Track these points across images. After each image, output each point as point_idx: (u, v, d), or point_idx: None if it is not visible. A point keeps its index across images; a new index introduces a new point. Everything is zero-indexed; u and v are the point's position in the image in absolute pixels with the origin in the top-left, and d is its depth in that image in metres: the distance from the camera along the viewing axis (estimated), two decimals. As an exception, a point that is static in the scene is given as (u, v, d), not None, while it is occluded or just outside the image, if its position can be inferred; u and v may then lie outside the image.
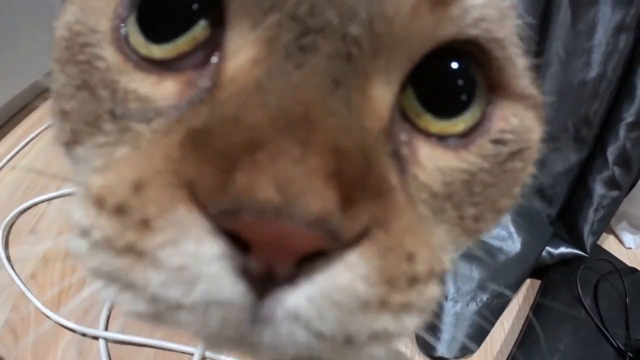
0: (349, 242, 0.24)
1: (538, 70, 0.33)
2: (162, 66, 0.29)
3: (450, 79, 0.30)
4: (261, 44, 0.27)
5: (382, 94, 0.28)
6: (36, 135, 1.38)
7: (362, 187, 0.24)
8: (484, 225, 0.33)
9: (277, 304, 0.24)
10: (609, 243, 1.16)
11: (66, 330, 0.95)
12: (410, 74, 0.29)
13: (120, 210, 0.25)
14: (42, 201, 1.19)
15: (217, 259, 0.23)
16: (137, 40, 0.29)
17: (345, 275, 0.24)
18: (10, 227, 1.14)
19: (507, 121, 0.31)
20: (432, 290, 0.28)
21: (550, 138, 0.83)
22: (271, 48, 0.26)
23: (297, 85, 0.25)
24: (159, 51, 0.28)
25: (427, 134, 0.29)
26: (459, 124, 0.30)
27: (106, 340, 0.93)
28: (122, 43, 0.29)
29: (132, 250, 0.25)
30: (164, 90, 0.28)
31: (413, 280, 0.27)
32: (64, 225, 1.08)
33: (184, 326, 0.26)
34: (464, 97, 0.30)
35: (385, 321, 0.26)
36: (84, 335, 0.94)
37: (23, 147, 1.34)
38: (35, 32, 0.85)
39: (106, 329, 0.94)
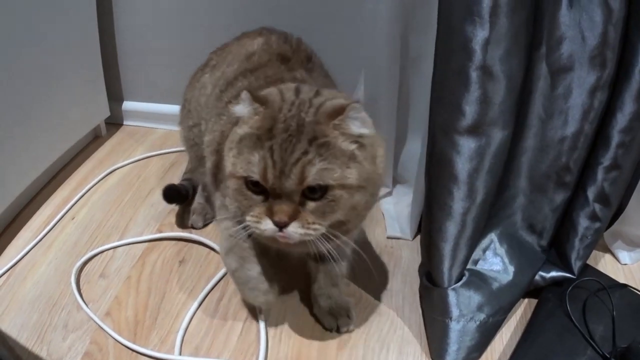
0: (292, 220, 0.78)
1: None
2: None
3: (312, 191, 0.78)
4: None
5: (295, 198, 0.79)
6: (91, 187, 1.55)
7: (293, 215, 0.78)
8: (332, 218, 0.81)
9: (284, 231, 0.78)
10: (605, 261, 1.28)
11: (142, 357, 1.08)
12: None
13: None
14: (109, 249, 1.34)
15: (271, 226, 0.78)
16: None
17: (295, 224, 0.78)
18: (80, 272, 1.27)
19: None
20: (318, 227, 0.79)
21: (535, 186, 0.99)
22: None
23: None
24: None
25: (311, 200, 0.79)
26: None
27: None
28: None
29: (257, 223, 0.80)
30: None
31: (312, 224, 0.79)
32: (130, 270, 1.27)
33: (263, 239, 0.88)
34: (317, 195, 0.78)
35: (309, 231, 0.79)
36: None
37: (79, 199, 1.50)
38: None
39: (180, 353, 1.07)
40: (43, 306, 1.19)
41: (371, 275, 1.20)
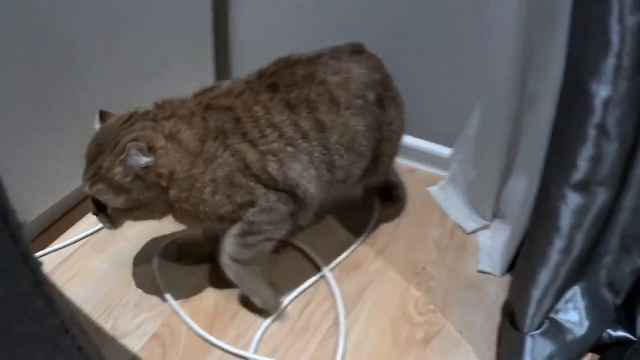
0: None
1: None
2: None
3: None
4: None
5: None
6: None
7: None
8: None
9: None
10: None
11: (216, 349, 1.09)
12: None
13: None
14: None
15: None
16: None
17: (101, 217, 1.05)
18: (164, 253, 1.28)
19: None
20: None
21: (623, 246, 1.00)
22: None
23: None
24: None
25: None
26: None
27: None
28: None
29: None
30: None
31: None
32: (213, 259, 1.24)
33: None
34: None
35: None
36: (233, 354, 1.08)
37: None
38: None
39: (256, 351, 1.09)
40: (116, 281, 1.22)
41: (456, 306, 1.22)
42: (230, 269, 1.09)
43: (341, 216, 1.43)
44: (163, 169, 0.96)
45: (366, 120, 1.13)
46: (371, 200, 1.48)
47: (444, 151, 1.54)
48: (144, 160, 0.94)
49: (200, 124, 1.01)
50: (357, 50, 1.20)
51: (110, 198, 0.98)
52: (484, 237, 1.39)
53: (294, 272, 1.27)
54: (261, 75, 1.10)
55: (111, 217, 1.02)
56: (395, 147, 1.28)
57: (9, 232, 0.43)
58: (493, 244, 1.37)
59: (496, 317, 1.22)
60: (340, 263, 1.30)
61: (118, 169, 0.94)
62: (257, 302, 1.15)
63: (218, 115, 1.02)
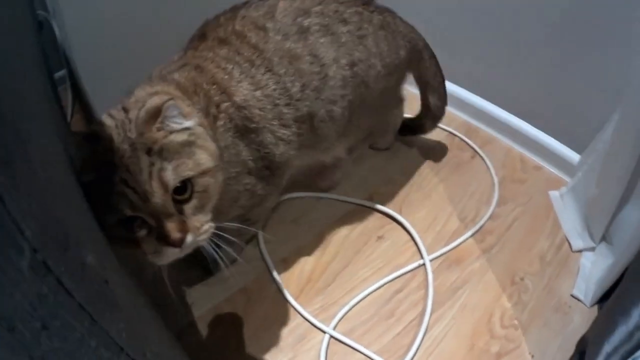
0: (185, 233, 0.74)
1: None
2: None
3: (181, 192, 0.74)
4: None
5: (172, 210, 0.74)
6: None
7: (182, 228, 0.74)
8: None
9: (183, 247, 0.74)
10: None
11: (297, 315, 1.10)
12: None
13: None
14: (310, 197, 1.34)
15: (173, 250, 0.76)
16: None
17: (190, 236, 0.74)
18: (272, 210, 1.28)
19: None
20: (207, 227, 0.77)
21: None
22: None
23: None
24: None
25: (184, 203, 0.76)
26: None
27: (330, 337, 1.06)
28: None
29: (160, 256, 0.77)
30: None
31: (201, 226, 0.77)
32: (325, 226, 1.27)
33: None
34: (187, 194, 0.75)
35: (203, 235, 0.77)
36: (312, 324, 1.09)
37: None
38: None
39: (334, 327, 1.08)
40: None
41: (538, 326, 1.10)
42: None
43: (456, 203, 1.34)
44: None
45: (307, 47, 1.00)
46: (489, 192, 1.37)
47: (573, 156, 1.38)
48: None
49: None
50: None
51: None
52: (586, 259, 1.23)
53: (397, 254, 1.22)
54: (191, 39, 1.03)
55: (202, 205, 0.79)
56: (371, 97, 1.12)
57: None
58: (592, 269, 1.20)
59: (570, 349, 1.07)
60: (443, 254, 1.22)
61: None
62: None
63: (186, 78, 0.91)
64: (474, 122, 1.58)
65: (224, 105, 0.91)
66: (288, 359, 1.05)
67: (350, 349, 1.06)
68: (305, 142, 1.04)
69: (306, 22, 1.01)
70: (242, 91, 0.93)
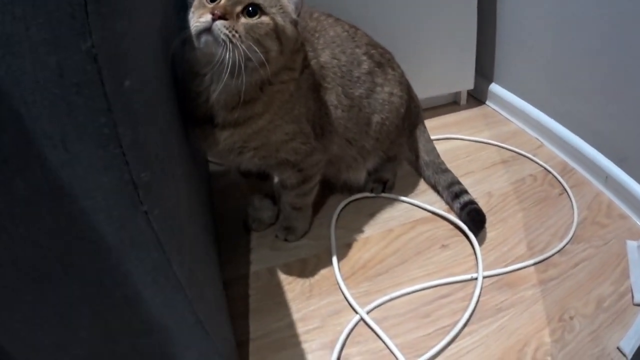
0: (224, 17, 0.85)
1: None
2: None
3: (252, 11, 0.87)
4: None
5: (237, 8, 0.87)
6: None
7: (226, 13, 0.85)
8: None
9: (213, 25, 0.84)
10: None
11: (340, 293, 1.14)
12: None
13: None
14: (392, 198, 1.42)
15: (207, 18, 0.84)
16: None
17: (223, 21, 0.85)
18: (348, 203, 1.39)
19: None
20: (238, 36, 0.85)
21: None
22: None
23: None
24: None
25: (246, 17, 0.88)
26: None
27: (361, 319, 1.08)
28: None
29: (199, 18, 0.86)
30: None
31: (236, 31, 0.86)
32: (397, 225, 1.32)
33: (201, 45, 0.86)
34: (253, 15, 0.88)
35: (230, 33, 0.85)
36: (349, 304, 1.12)
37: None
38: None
39: (368, 312, 1.09)
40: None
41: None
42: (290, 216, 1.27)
43: (529, 232, 1.30)
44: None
45: (367, 69, 1.23)
46: (566, 228, 1.31)
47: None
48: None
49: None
50: None
51: None
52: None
53: (455, 263, 1.22)
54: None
55: (251, 30, 0.90)
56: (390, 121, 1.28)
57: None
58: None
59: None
60: (498, 274, 1.18)
61: None
62: (297, 230, 1.29)
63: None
64: (571, 162, 1.56)
65: (313, 60, 1.11)
66: (315, 326, 1.08)
67: (374, 335, 1.07)
68: (349, 126, 1.21)
69: (372, 51, 1.26)
70: (325, 56, 1.14)
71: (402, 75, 1.34)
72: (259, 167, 1.15)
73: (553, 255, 1.23)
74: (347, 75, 1.18)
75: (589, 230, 1.31)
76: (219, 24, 0.84)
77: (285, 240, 1.29)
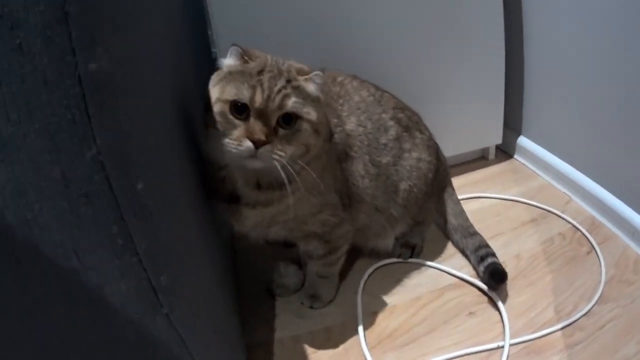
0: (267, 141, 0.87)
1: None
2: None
3: (286, 119, 0.89)
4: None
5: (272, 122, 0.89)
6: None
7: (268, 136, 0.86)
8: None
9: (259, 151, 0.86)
10: None
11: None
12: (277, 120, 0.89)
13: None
14: (423, 265, 1.42)
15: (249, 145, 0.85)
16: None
17: (268, 147, 0.86)
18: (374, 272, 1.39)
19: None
20: (282, 154, 0.88)
21: None
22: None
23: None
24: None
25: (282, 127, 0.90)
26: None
27: None
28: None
29: (237, 143, 0.88)
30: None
31: (280, 150, 0.88)
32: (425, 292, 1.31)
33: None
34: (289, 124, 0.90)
35: (276, 155, 0.88)
36: None
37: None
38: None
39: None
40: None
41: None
42: (316, 284, 1.27)
43: (558, 295, 1.28)
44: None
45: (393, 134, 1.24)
46: (594, 289, 1.28)
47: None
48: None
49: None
50: None
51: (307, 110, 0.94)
52: None
53: (482, 331, 1.20)
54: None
55: (291, 140, 0.92)
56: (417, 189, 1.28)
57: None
58: None
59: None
60: (525, 342, 1.16)
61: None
62: (323, 298, 1.29)
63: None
64: (598, 217, 1.53)
65: (338, 128, 1.13)
66: (338, 398, 1.07)
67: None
68: (377, 194, 1.21)
69: (400, 115, 1.27)
70: (350, 124, 1.17)
71: (431, 137, 1.35)
72: (285, 238, 1.17)
73: (579, 318, 1.20)
74: (373, 143, 1.19)
75: (616, 288, 1.28)
76: (264, 151, 0.86)
77: (311, 307, 1.29)
